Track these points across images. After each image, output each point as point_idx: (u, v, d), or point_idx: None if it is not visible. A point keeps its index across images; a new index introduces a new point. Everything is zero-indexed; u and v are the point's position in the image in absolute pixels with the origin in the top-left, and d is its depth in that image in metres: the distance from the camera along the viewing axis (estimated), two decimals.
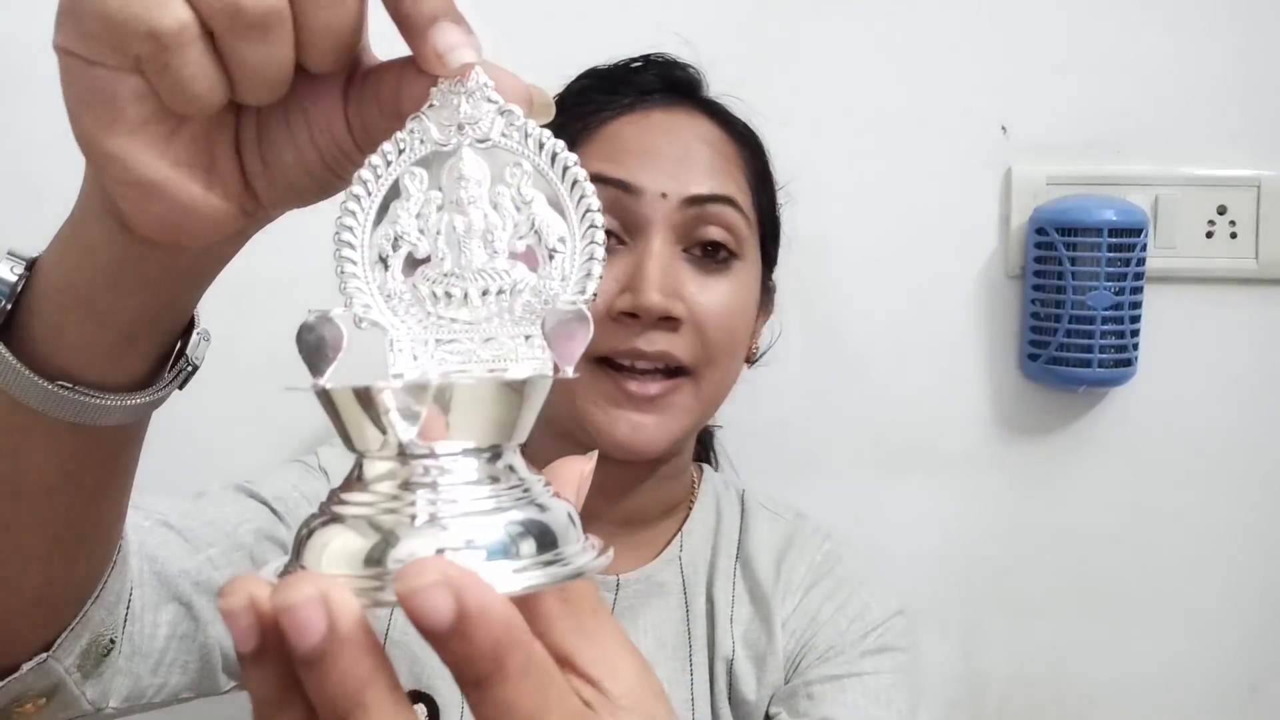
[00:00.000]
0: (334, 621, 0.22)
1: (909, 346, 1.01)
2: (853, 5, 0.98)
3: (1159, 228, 0.96)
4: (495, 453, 0.28)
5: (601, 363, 0.67)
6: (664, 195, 0.67)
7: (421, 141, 0.31)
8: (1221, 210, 0.96)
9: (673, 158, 0.69)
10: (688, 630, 0.74)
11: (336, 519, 0.27)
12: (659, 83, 0.75)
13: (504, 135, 0.31)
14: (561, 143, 0.31)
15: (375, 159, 0.31)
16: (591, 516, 0.84)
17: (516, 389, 0.28)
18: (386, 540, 0.25)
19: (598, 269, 0.31)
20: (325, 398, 0.28)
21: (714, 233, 0.69)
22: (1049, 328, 0.95)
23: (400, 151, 0.31)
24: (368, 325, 0.31)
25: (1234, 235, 0.96)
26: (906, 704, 0.71)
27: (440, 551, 0.25)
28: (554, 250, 0.31)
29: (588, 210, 0.31)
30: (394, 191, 0.31)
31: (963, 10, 0.97)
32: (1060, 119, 0.97)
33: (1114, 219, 0.92)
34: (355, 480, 0.28)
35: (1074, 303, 0.93)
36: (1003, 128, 0.98)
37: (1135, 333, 0.94)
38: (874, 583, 0.78)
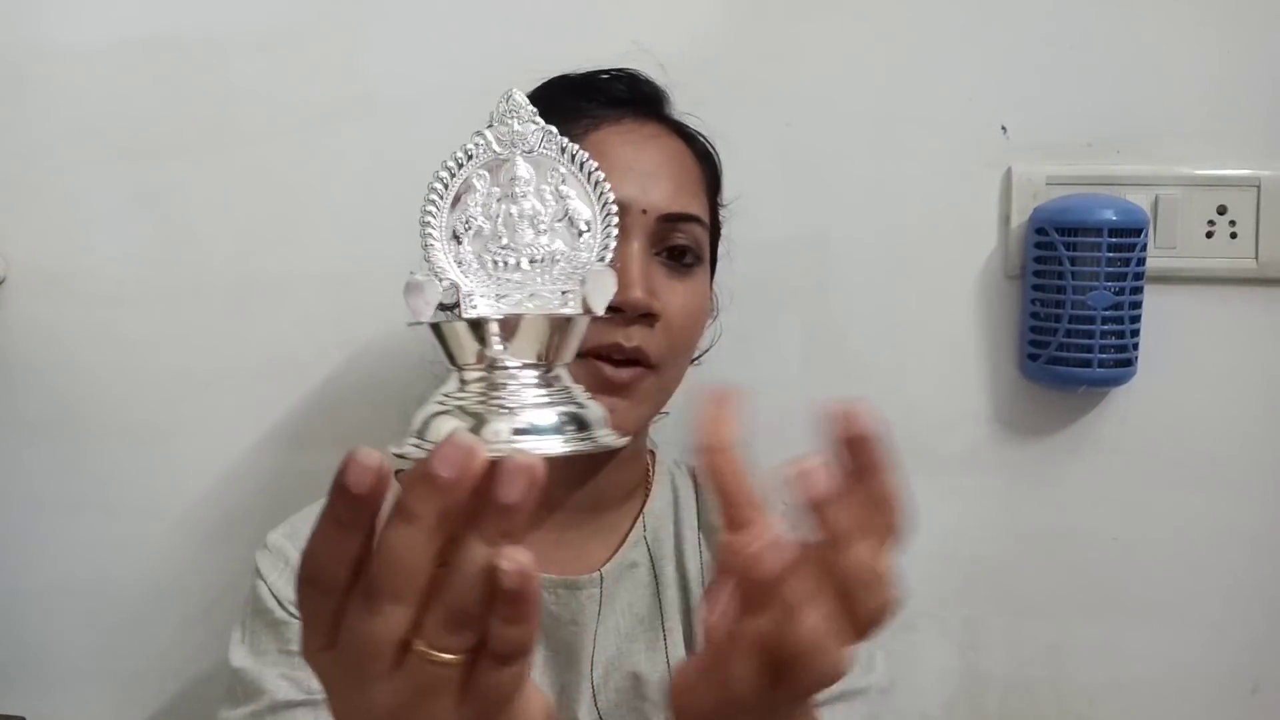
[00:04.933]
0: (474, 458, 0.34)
1: (909, 346, 1.01)
2: (852, 5, 0.98)
3: (1159, 228, 0.96)
4: (549, 367, 0.40)
5: (584, 355, 0.72)
6: (644, 211, 0.73)
7: (485, 151, 0.42)
8: (1221, 210, 0.96)
9: (650, 174, 0.74)
10: (658, 599, 0.80)
11: (445, 410, 0.39)
12: (629, 95, 0.80)
13: (545, 148, 0.43)
14: (586, 154, 0.43)
15: (450, 163, 0.42)
16: (558, 503, 0.85)
17: (564, 322, 0.40)
18: (479, 421, 0.38)
19: (613, 243, 0.43)
20: (437, 329, 0.40)
21: (681, 239, 0.76)
22: (1049, 328, 0.95)
23: (470, 158, 0.42)
24: (447, 283, 0.41)
25: (1234, 235, 0.96)
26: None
27: (515, 430, 0.37)
28: (582, 231, 0.43)
29: (606, 202, 0.43)
30: (465, 186, 0.42)
31: (963, 10, 0.97)
32: (1060, 119, 0.97)
33: (1114, 219, 0.92)
34: (456, 383, 0.40)
35: (1074, 303, 0.93)
36: (1003, 128, 0.98)
37: (1135, 333, 0.94)
38: None
